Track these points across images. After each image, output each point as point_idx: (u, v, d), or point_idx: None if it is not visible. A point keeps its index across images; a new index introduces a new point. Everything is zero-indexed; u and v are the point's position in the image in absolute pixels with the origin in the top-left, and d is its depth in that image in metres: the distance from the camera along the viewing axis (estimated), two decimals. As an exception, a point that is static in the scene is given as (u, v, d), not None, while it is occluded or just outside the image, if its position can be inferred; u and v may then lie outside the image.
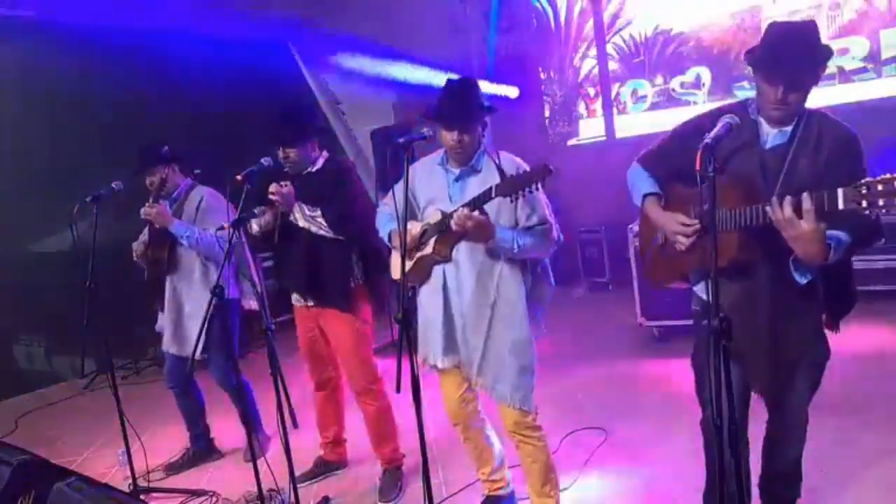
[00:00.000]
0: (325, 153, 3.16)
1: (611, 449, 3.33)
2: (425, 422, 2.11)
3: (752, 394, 2.13)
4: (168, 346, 3.58)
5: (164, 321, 3.60)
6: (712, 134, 1.73)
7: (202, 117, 6.04)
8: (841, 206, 1.63)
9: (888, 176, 1.55)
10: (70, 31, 5.65)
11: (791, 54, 1.87)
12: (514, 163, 2.51)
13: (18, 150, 5.49)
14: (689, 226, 2.04)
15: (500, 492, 2.84)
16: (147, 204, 3.33)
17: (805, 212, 1.67)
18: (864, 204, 1.58)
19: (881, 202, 1.56)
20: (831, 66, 5.84)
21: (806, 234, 1.70)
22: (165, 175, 3.43)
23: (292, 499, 2.70)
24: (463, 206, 2.29)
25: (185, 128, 5.59)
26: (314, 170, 3.11)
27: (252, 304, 3.58)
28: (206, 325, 3.39)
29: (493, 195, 2.23)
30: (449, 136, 2.43)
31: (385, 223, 2.75)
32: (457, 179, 2.53)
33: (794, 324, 1.99)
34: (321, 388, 3.36)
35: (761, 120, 2.01)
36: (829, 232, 1.74)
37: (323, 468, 3.43)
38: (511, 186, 2.17)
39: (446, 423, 3.72)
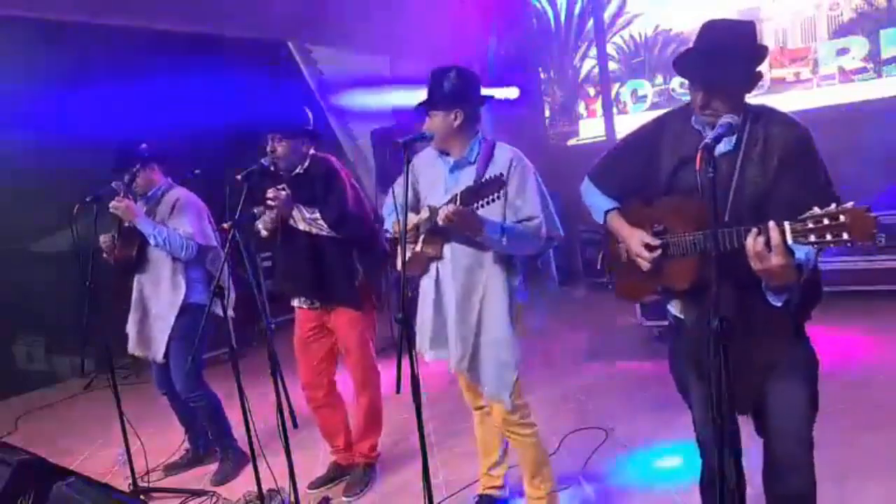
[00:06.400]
0: (312, 152, 3.14)
1: (611, 449, 3.33)
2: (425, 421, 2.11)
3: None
4: (133, 348, 3.54)
5: (130, 323, 3.54)
6: (712, 133, 1.66)
7: (201, 117, 6.03)
8: (790, 240, 1.51)
9: (833, 209, 1.45)
10: (70, 30, 5.66)
11: (708, 56, 1.77)
12: (507, 155, 2.49)
13: (18, 150, 5.48)
14: (651, 247, 1.95)
15: (495, 492, 2.85)
16: (116, 198, 3.28)
17: (774, 246, 1.54)
18: (812, 239, 1.48)
19: (828, 237, 1.45)
20: (831, 66, 5.87)
21: (776, 269, 1.57)
22: (135, 171, 3.36)
23: (292, 499, 2.70)
24: (449, 201, 2.31)
25: (183, 127, 5.59)
26: (302, 170, 3.10)
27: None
28: (170, 330, 3.37)
29: (457, 202, 2.24)
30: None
31: (388, 213, 2.79)
32: (451, 171, 2.56)
33: (765, 332, 1.86)
34: (316, 404, 3.32)
35: (705, 128, 1.88)
36: (796, 254, 1.60)
37: (339, 473, 3.41)
38: (470, 197, 2.19)
39: (447, 422, 3.70)
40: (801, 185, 1.66)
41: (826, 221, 1.46)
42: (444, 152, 2.58)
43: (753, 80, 1.83)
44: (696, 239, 1.83)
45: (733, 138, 1.82)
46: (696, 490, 2.36)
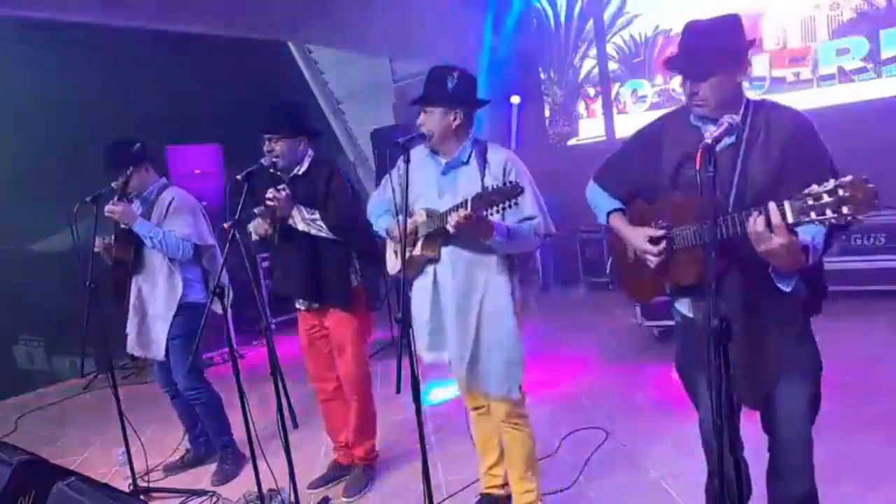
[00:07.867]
0: (310, 153, 3.13)
1: (611, 449, 3.33)
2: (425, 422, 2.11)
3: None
4: (132, 348, 3.55)
5: (129, 323, 3.54)
6: (714, 134, 1.66)
7: (201, 117, 6.04)
8: (790, 220, 1.52)
9: (831, 184, 1.43)
10: (69, 31, 5.66)
11: (689, 45, 1.83)
12: (501, 157, 2.49)
13: (18, 149, 5.49)
14: (655, 240, 1.95)
15: (497, 491, 2.85)
16: (111, 201, 3.27)
17: (775, 227, 1.55)
18: (814, 216, 1.47)
19: (829, 213, 1.44)
20: (831, 66, 5.87)
21: (779, 249, 1.58)
22: (129, 175, 3.33)
23: (292, 499, 2.70)
24: (458, 206, 2.29)
25: (184, 128, 5.60)
26: (301, 171, 3.09)
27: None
28: (169, 329, 3.36)
29: (468, 207, 2.22)
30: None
31: (379, 214, 2.80)
32: (444, 172, 2.55)
33: (773, 332, 1.87)
34: (325, 396, 3.35)
35: (704, 123, 1.91)
36: (801, 236, 1.61)
37: (339, 472, 3.41)
38: (482, 203, 2.18)
39: (447, 423, 3.70)
40: (806, 171, 1.63)
41: (826, 198, 1.45)
42: (435, 152, 2.57)
43: (736, 67, 1.83)
44: (699, 229, 1.82)
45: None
46: (696, 490, 2.36)
